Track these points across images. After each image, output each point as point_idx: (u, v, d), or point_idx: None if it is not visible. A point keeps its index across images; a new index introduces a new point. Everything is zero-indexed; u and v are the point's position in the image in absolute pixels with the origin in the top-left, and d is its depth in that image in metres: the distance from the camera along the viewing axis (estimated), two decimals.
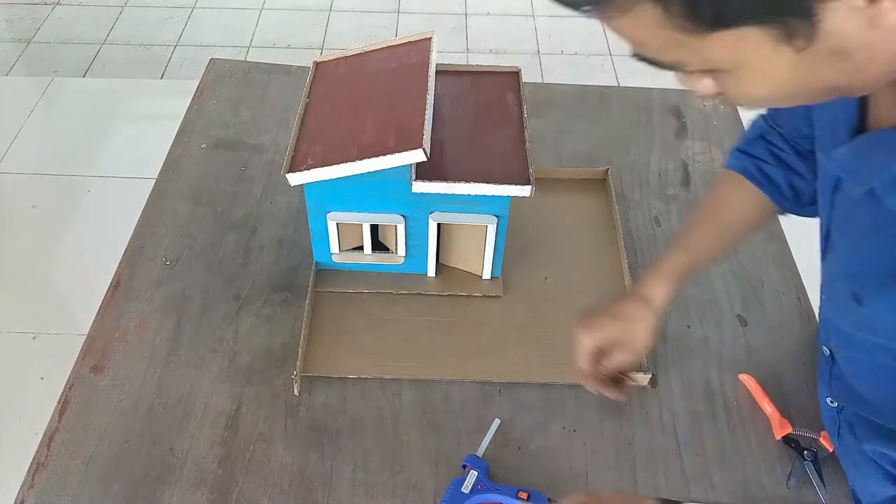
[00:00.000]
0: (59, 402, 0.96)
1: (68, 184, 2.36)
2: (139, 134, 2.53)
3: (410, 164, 0.94)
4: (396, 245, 1.07)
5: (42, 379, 1.81)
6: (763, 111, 0.93)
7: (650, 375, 0.98)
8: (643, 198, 1.24)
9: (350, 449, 0.92)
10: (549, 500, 0.85)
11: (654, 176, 1.28)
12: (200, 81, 1.44)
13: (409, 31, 1.03)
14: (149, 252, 1.13)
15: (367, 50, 1.11)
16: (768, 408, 0.95)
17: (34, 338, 1.93)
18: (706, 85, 0.53)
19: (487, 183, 0.95)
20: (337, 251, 1.08)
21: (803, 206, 0.90)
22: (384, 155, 0.91)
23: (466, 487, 0.85)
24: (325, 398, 0.97)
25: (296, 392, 0.96)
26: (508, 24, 3.17)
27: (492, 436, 0.92)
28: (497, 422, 0.93)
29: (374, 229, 1.08)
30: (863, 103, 0.63)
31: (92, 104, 2.68)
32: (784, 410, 0.95)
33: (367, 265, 1.09)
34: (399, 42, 1.11)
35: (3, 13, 3.19)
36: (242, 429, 0.93)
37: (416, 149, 0.90)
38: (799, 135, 0.87)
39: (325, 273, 1.09)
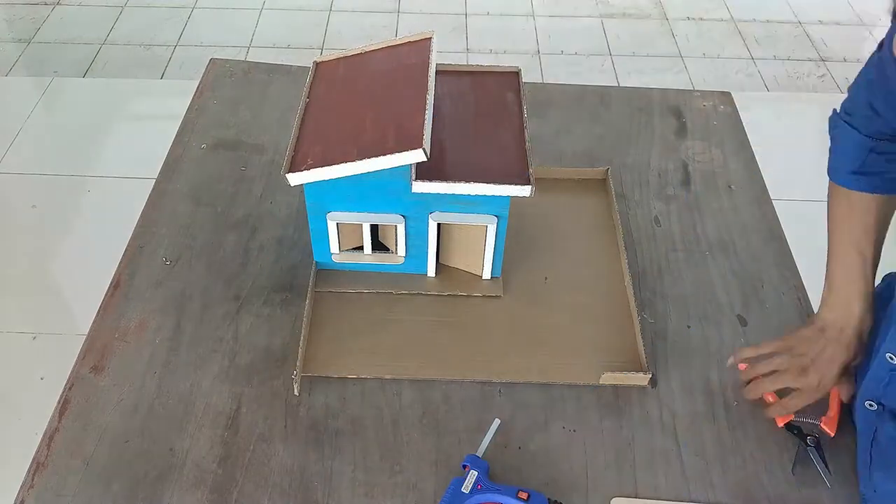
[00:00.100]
0: (59, 402, 0.96)
1: (68, 184, 2.36)
2: (139, 134, 2.54)
3: (410, 164, 0.94)
4: (396, 245, 1.07)
5: (42, 379, 1.81)
6: (841, 114, 0.96)
7: (650, 375, 0.98)
8: (643, 198, 1.24)
9: (350, 449, 0.92)
10: (549, 500, 0.85)
11: (654, 176, 1.28)
12: (200, 81, 1.44)
13: (409, 31, 1.03)
14: (149, 252, 1.13)
15: (367, 50, 1.11)
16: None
17: (34, 338, 1.93)
18: None
19: (487, 183, 0.95)
20: (337, 251, 1.08)
21: None
22: (384, 155, 0.91)
23: (466, 487, 0.85)
24: (325, 398, 0.97)
25: (296, 392, 0.96)
26: (508, 24, 3.17)
27: (492, 436, 0.92)
28: (497, 422, 0.93)
29: (374, 229, 1.08)
30: None
31: (92, 104, 2.69)
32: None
33: (367, 265, 1.09)
34: (399, 42, 1.11)
35: (3, 13, 3.19)
36: (242, 429, 0.93)
37: (416, 149, 0.90)
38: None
39: (325, 273, 1.09)
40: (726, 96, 1.45)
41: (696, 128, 1.37)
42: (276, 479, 0.89)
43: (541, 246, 1.15)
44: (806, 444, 0.91)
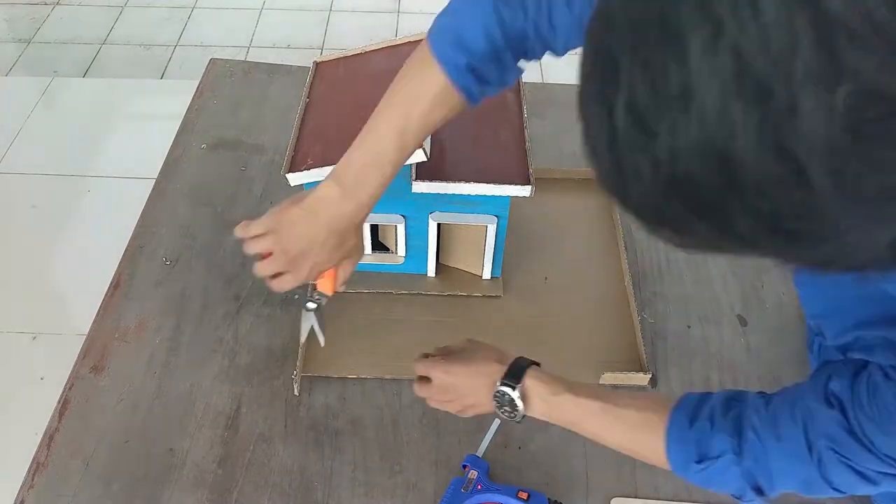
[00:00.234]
0: (59, 402, 0.96)
1: (68, 184, 2.35)
2: (139, 134, 2.53)
3: (410, 164, 0.94)
4: (396, 245, 1.07)
5: (42, 379, 1.81)
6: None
7: (650, 375, 0.98)
8: None
9: (350, 449, 0.92)
10: (549, 500, 0.85)
11: None
12: (200, 81, 1.44)
13: (409, 31, 1.03)
14: (149, 252, 1.13)
15: (367, 50, 1.11)
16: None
17: (34, 338, 1.93)
18: None
19: (487, 183, 0.95)
20: None
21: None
22: None
23: (466, 487, 0.85)
24: (325, 398, 0.97)
25: (296, 392, 0.96)
26: None
27: (492, 436, 0.92)
28: (497, 422, 0.93)
29: (374, 229, 1.08)
30: None
31: (92, 104, 2.68)
32: None
33: (367, 265, 1.09)
34: (399, 42, 1.11)
35: (3, 13, 3.19)
36: (242, 429, 0.93)
37: (415, 149, 0.90)
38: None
39: None
40: None
41: None
42: (276, 478, 0.89)
43: (541, 246, 1.15)
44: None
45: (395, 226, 1.03)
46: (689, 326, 1.06)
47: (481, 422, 0.94)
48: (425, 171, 0.95)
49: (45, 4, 3.21)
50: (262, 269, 0.81)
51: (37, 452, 0.91)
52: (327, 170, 0.95)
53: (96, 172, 2.39)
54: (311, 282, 0.85)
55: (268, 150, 1.30)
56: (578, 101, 0.38)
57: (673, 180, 0.34)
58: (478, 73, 0.74)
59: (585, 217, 1.20)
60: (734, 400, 0.71)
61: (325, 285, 0.86)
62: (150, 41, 3.03)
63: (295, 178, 0.95)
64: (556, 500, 0.85)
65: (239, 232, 0.82)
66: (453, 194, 0.96)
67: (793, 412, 0.65)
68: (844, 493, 0.65)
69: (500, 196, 0.98)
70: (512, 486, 0.86)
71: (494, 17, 0.72)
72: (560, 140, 1.33)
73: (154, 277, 1.10)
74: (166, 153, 1.29)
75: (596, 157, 0.37)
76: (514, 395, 0.78)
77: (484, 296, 1.08)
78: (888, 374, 0.59)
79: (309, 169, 0.94)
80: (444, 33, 0.75)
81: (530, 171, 0.97)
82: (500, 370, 0.80)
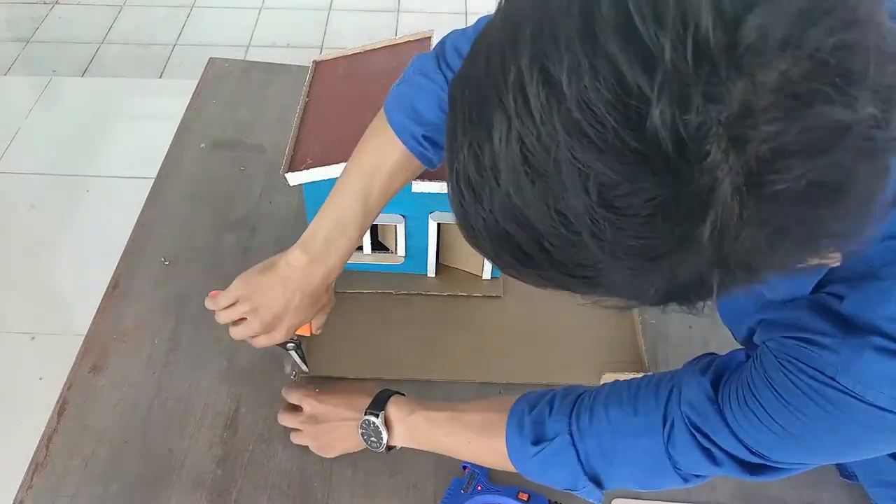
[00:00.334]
0: (57, 402, 0.96)
1: (67, 184, 2.35)
2: (138, 134, 2.53)
3: None
4: (396, 245, 1.07)
5: (41, 379, 1.81)
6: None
7: None
8: None
9: None
10: (549, 500, 0.85)
11: None
12: (199, 81, 1.43)
13: (409, 30, 1.03)
14: (148, 252, 1.13)
15: (367, 50, 1.11)
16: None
17: (33, 338, 1.92)
18: None
19: None
20: None
21: None
22: None
23: (466, 488, 0.85)
24: None
25: None
26: None
27: None
28: None
29: (374, 229, 1.07)
30: None
31: (91, 104, 2.68)
32: None
33: (367, 265, 1.09)
34: (399, 42, 1.11)
35: (2, 13, 3.18)
36: (241, 429, 0.93)
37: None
38: None
39: None
40: None
41: None
42: (276, 479, 0.89)
43: None
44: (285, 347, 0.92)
45: (395, 226, 1.03)
46: (690, 327, 1.06)
47: None
48: (425, 171, 0.95)
49: (44, 4, 3.21)
50: (237, 333, 0.87)
51: (35, 453, 0.91)
52: (326, 169, 0.95)
53: (95, 172, 2.39)
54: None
55: (267, 149, 1.29)
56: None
57: (497, 237, 0.42)
58: (433, 140, 0.78)
59: None
60: (581, 388, 0.73)
61: (303, 330, 0.90)
62: (148, 41, 3.03)
63: (294, 178, 0.95)
64: (555, 502, 0.85)
65: (209, 304, 0.88)
66: None
67: (658, 388, 0.67)
68: (681, 475, 0.66)
69: None
70: (512, 487, 0.85)
71: (445, 87, 0.75)
72: None
73: (153, 277, 1.09)
74: (165, 153, 1.28)
75: (453, 210, 0.45)
76: (378, 421, 0.81)
77: (484, 296, 1.08)
78: (763, 353, 0.59)
79: (308, 168, 0.94)
80: (400, 104, 0.80)
81: None
82: (368, 402, 0.84)
